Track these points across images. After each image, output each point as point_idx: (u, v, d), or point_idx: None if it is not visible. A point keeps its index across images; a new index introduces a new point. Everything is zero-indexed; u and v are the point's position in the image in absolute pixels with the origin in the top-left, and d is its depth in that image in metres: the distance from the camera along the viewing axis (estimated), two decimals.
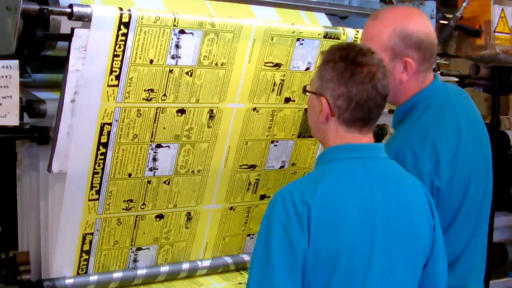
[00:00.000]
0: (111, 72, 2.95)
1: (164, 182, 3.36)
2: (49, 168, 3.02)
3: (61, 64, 2.96)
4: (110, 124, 3.06)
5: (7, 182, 3.36)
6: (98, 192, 3.19)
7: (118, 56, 2.94)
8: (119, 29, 2.86)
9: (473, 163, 2.94)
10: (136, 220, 3.36)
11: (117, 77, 2.98)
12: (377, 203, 2.44)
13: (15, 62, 2.95)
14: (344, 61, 2.46)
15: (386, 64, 2.74)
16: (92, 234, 3.23)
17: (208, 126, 3.33)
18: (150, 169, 3.28)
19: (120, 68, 2.97)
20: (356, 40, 3.47)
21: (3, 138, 3.15)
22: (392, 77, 2.79)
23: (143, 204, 3.35)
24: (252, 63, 3.31)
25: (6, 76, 2.95)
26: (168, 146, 3.27)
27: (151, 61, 3.03)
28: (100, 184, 3.17)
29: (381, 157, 2.56)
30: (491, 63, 4.92)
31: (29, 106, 3.13)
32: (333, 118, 2.48)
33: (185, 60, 3.11)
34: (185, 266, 3.57)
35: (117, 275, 3.38)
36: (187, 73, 3.14)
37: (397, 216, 2.47)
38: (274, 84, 3.44)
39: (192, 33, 3.07)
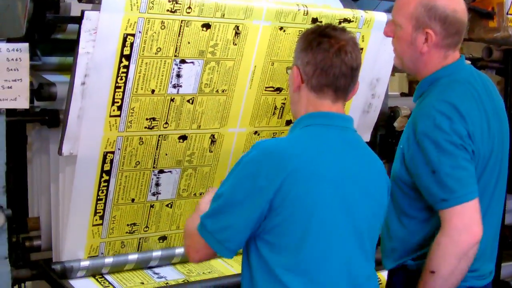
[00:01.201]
0: (113, 103, 2.99)
1: (167, 206, 3.41)
2: (60, 151, 3.02)
3: (71, 47, 2.96)
4: (112, 152, 3.10)
5: (18, 165, 3.36)
6: (102, 217, 3.24)
7: (120, 87, 2.98)
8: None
9: (493, 141, 2.94)
10: (139, 242, 3.42)
11: (119, 108, 3.02)
12: (349, 168, 2.54)
13: (25, 45, 2.94)
14: (315, 33, 2.60)
15: (409, 34, 2.86)
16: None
17: (209, 150, 3.36)
18: (153, 194, 3.33)
19: (122, 99, 3.00)
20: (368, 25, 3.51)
21: (14, 121, 3.16)
22: (413, 47, 2.89)
23: (146, 227, 3.40)
24: (253, 88, 3.34)
25: (16, 59, 2.94)
26: (170, 171, 3.31)
27: (153, 91, 3.06)
28: (104, 210, 3.22)
29: (351, 128, 2.65)
30: (504, 45, 4.88)
31: (39, 89, 3.13)
32: (303, 85, 2.59)
33: (186, 88, 3.14)
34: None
35: (131, 257, 3.42)
36: (188, 100, 3.17)
37: (367, 183, 2.58)
38: (275, 108, 3.47)
39: (193, 62, 3.10)
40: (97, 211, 3.21)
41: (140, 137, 3.12)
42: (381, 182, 2.66)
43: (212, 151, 3.36)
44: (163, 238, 3.49)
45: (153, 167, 3.23)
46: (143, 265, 3.46)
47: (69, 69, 2.96)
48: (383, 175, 2.68)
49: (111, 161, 3.12)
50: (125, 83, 2.97)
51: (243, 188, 2.45)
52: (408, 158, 2.84)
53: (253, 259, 2.51)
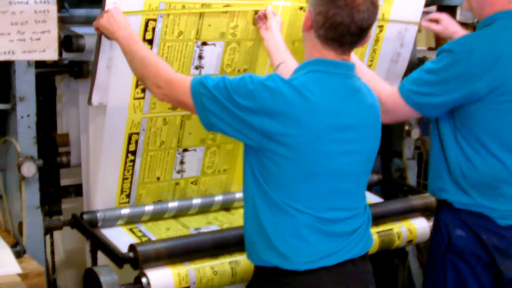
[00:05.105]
0: None
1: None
2: (89, 101, 3.03)
3: None
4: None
5: (48, 117, 3.40)
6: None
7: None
8: None
9: None
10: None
11: None
12: (350, 115, 2.59)
13: None
14: None
15: None
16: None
17: (253, 24, 3.28)
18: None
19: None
20: None
21: (43, 73, 3.17)
22: None
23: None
24: None
25: (44, 11, 2.96)
26: (214, 44, 3.23)
27: None
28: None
29: (353, 75, 2.67)
30: None
31: (67, 41, 3.14)
32: (312, 30, 2.60)
33: None
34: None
35: (153, 207, 3.43)
36: None
37: (365, 129, 2.65)
38: None
39: None
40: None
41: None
42: (377, 125, 2.73)
43: (256, 25, 3.29)
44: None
45: (196, 38, 3.16)
46: (175, 213, 3.49)
47: None
48: (379, 119, 2.75)
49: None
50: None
51: (240, 98, 2.49)
52: None
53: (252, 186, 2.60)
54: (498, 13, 3.00)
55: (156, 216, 3.43)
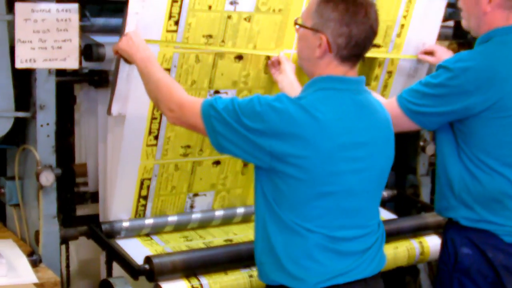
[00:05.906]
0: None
1: None
2: (109, 111, 3.03)
3: (119, 8, 2.97)
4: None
5: (66, 126, 3.39)
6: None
7: None
8: None
9: None
10: (192, 167, 3.40)
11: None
12: (360, 131, 2.56)
13: (75, 6, 2.97)
14: (345, 2, 2.52)
15: None
16: (150, 179, 3.27)
17: (265, 72, 3.32)
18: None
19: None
20: None
21: (63, 81, 3.17)
22: (477, 7, 3.01)
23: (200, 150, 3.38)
24: None
25: (65, 20, 2.97)
26: (226, 92, 3.26)
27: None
28: (158, 130, 3.21)
29: (363, 90, 2.65)
30: None
31: (88, 50, 3.14)
32: (330, 54, 2.54)
33: (243, 6, 3.11)
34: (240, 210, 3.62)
35: (173, 218, 3.43)
36: (245, 19, 3.13)
37: (377, 145, 2.62)
38: None
39: None
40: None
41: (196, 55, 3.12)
42: (390, 141, 2.70)
43: (267, 73, 3.33)
44: (217, 162, 3.49)
45: (209, 87, 3.21)
46: (193, 226, 3.50)
47: (118, 31, 2.98)
48: (392, 135, 2.72)
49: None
50: None
51: (249, 119, 2.47)
52: None
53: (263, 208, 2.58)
54: (495, 29, 3.02)
55: (174, 228, 3.44)
